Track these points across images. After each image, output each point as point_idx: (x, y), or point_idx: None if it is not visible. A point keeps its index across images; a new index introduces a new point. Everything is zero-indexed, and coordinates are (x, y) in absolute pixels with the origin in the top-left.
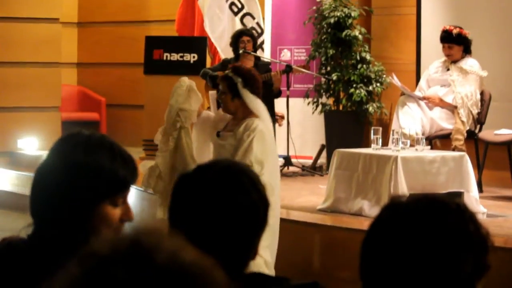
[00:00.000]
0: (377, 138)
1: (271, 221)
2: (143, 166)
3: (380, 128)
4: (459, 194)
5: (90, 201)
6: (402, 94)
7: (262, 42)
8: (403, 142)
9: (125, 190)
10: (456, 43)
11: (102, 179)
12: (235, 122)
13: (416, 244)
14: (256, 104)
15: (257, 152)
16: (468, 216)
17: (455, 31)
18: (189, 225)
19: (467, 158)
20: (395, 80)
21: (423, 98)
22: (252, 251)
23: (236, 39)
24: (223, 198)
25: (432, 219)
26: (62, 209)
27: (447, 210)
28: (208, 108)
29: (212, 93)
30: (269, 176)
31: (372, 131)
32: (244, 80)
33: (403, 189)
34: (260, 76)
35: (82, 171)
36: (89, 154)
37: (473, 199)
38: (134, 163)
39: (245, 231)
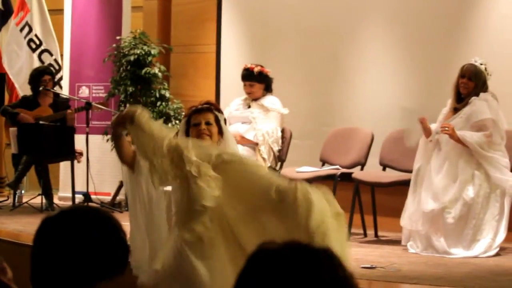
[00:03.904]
0: None
1: None
2: None
3: None
4: None
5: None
6: None
7: (60, 79)
8: None
9: None
10: (257, 81)
11: None
12: None
13: None
14: (235, 145)
15: None
16: (337, 262)
17: (256, 69)
18: (52, 266)
19: None
20: None
21: None
22: None
23: (37, 78)
24: (83, 241)
25: (304, 265)
26: None
27: (317, 256)
28: (8, 144)
29: (13, 130)
30: None
31: None
32: (225, 120)
33: None
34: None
35: None
36: None
37: None
38: None
39: (103, 273)
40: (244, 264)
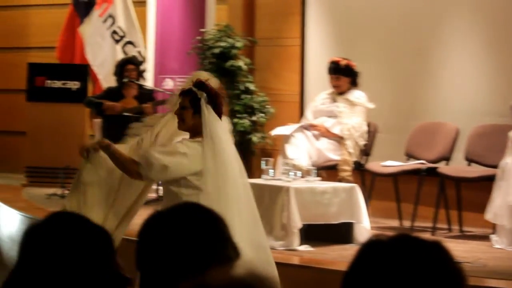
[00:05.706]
0: (268, 169)
1: None
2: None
3: (272, 159)
4: (350, 225)
5: None
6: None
7: (144, 71)
8: (294, 173)
9: None
10: (343, 74)
11: None
12: None
13: (399, 283)
14: (215, 124)
15: (160, 156)
16: (446, 254)
17: (343, 62)
18: (159, 258)
19: (357, 190)
20: (278, 131)
21: (310, 126)
22: None
23: (121, 68)
24: (189, 234)
25: (414, 257)
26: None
27: (427, 248)
28: (92, 136)
29: (97, 121)
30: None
31: (263, 162)
32: (208, 96)
33: (296, 219)
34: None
35: None
36: None
37: (364, 230)
38: None
39: (204, 264)
40: (355, 255)
